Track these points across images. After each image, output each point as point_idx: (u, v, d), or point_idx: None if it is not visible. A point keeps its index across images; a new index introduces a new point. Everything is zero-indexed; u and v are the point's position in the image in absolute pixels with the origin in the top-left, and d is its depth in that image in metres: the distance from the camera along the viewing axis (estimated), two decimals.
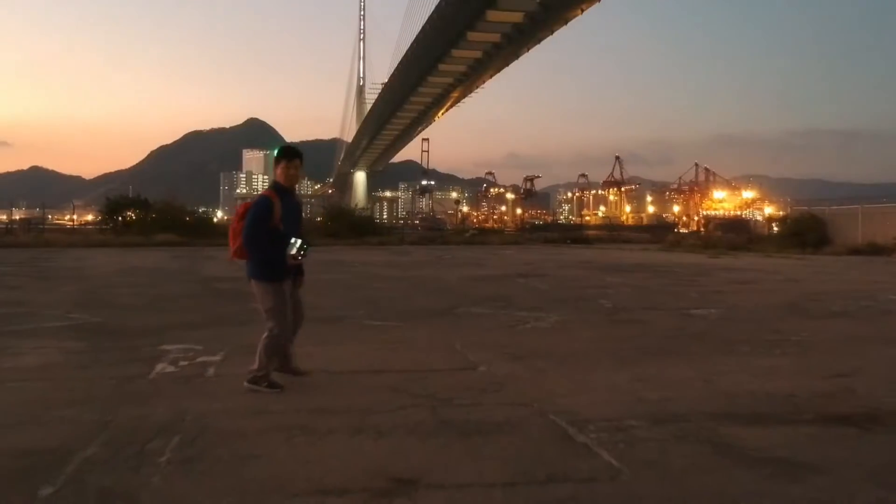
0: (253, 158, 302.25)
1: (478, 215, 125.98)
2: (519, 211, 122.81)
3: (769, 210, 79.54)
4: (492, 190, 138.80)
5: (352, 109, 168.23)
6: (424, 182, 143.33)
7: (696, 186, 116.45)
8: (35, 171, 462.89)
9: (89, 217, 58.61)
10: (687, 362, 6.26)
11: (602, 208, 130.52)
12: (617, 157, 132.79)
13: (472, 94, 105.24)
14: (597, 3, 63.77)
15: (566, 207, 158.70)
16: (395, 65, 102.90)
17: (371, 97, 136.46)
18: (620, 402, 4.82)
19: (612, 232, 55.46)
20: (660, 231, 58.21)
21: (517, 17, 67.48)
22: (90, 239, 31.89)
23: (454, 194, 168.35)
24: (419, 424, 4.24)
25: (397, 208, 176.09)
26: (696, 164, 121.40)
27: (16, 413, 4.47)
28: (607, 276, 16.33)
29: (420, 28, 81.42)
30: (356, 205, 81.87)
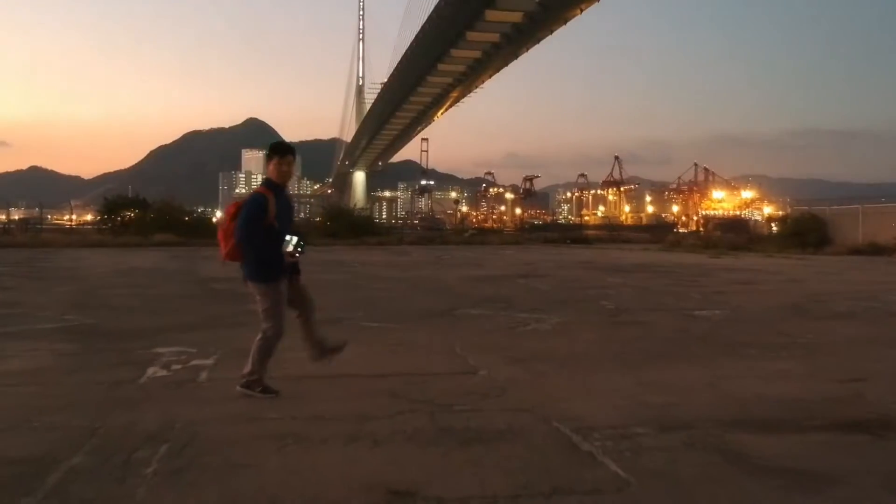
0: (252, 158, 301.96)
1: (477, 215, 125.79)
2: (518, 211, 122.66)
3: (768, 210, 79.56)
4: (491, 190, 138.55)
5: (351, 109, 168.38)
6: (423, 182, 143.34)
7: (696, 186, 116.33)
8: (34, 171, 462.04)
9: (88, 217, 58.43)
10: (691, 365, 6.13)
11: (601, 208, 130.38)
12: (616, 157, 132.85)
13: (472, 94, 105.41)
14: (596, 3, 63.92)
15: (565, 207, 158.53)
16: (395, 65, 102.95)
17: (370, 97, 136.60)
18: (625, 407, 4.69)
19: (612, 232, 55.44)
20: (659, 231, 58.22)
21: (516, 17, 67.51)
22: (88, 239, 31.84)
23: (453, 194, 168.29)
24: (418, 431, 4.10)
25: (396, 208, 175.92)
26: (696, 164, 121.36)
27: (3, 419, 4.34)
28: (608, 276, 16.21)
29: (419, 28, 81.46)
30: (355, 205, 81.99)
